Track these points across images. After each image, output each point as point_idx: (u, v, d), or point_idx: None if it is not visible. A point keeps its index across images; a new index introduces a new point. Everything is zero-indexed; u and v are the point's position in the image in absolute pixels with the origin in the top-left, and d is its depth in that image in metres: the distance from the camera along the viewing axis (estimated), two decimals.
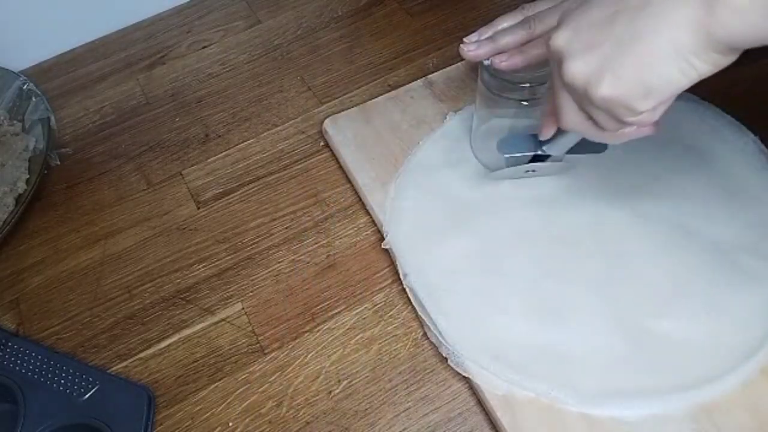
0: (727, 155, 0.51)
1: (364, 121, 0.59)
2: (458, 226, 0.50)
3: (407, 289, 0.48)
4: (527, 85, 0.47)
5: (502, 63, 0.46)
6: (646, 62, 0.31)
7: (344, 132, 0.58)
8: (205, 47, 0.72)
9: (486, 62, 0.48)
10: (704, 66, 0.31)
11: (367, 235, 0.53)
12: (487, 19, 0.64)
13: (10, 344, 0.48)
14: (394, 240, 0.50)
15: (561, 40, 0.35)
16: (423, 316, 0.46)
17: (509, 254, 0.49)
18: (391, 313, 0.48)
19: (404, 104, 0.59)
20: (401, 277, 0.49)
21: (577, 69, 0.34)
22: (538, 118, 0.51)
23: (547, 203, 0.51)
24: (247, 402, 0.45)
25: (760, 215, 0.48)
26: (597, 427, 0.40)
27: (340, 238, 0.53)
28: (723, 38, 0.29)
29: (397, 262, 0.49)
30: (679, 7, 0.30)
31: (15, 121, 0.64)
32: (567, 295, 0.46)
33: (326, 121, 0.59)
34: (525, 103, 0.48)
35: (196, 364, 0.48)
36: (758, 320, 0.43)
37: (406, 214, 0.52)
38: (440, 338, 0.45)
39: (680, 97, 0.56)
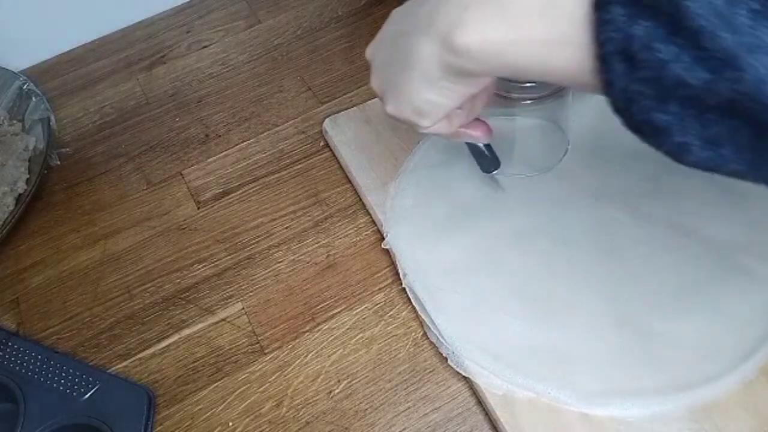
0: None
1: (364, 121, 0.59)
2: (458, 226, 0.50)
3: (407, 289, 0.48)
4: (529, 84, 0.47)
5: None
6: (412, 89, 0.34)
7: (344, 132, 0.58)
8: (205, 47, 0.72)
9: None
10: (459, 87, 0.33)
11: (367, 235, 0.53)
12: None
13: (10, 344, 0.48)
14: (394, 240, 0.50)
15: (371, 48, 0.40)
16: (423, 316, 0.46)
17: (509, 254, 0.49)
18: (391, 313, 0.48)
19: None
20: (401, 277, 0.49)
21: (374, 83, 0.39)
22: (539, 117, 0.51)
23: (547, 203, 0.51)
24: (247, 402, 0.45)
25: (760, 215, 0.48)
26: (597, 426, 0.40)
27: (340, 238, 0.53)
28: (460, 69, 0.31)
29: (397, 262, 0.49)
30: (424, 44, 0.32)
31: (15, 121, 0.64)
32: (567, 294, 0.46)
33: (326, 121, 0.59)
34: (526, 102, 0.48)
35: (196, 364, 0.48)
36: (758, 320, 0.43)
37: (406, 214, 0.52)
38: (440, 338, 0.45)
39: None
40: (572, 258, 0.48)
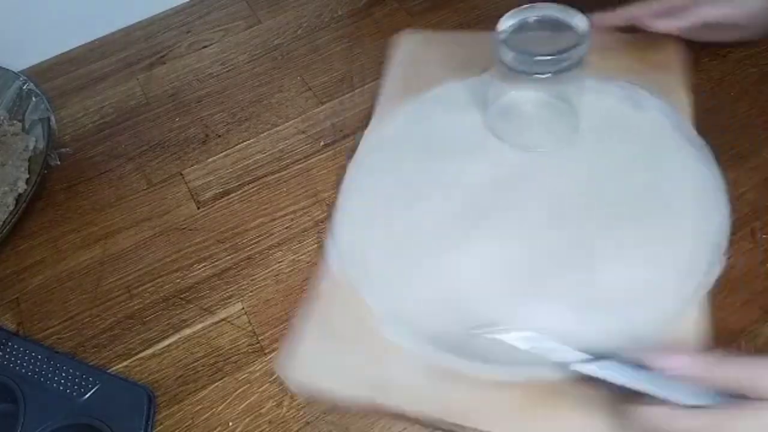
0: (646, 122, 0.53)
1: None
2: (398, 209, 0.51)
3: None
4: (546, 57, 0.46)
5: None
6: None
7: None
8: (205, 47, 0.72)
9: (502, 36, 0.47)
10: None
11: None
12: (488, 19, 0.64)
13: (10, 344, 0.48)
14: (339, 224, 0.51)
15: None
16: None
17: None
18: None
19: None
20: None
21: None
22: (554, 96, 0.51)
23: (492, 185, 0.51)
24: (247, 402, 0.45)
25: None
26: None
27: None
28: None
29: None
30: None
31: (15, 121, 0.64)
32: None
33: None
34: (543, 76, 0.47)
35: (196, 364, 0.48)
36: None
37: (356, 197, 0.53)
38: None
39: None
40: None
